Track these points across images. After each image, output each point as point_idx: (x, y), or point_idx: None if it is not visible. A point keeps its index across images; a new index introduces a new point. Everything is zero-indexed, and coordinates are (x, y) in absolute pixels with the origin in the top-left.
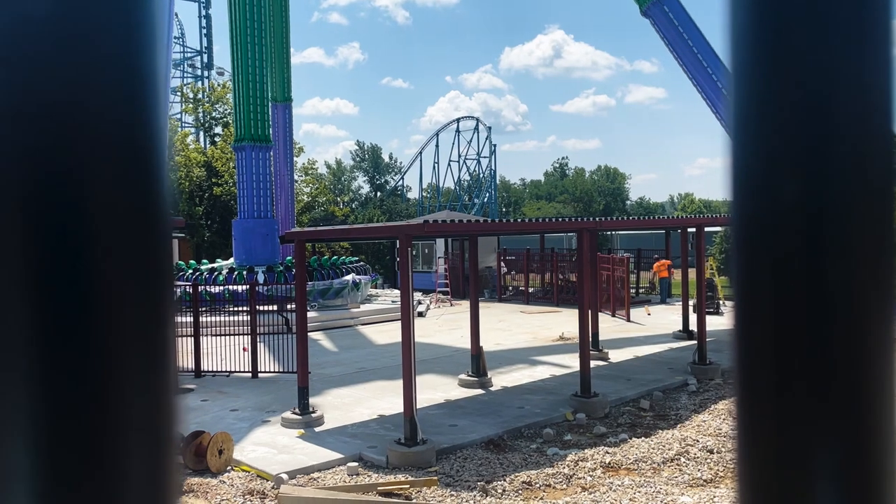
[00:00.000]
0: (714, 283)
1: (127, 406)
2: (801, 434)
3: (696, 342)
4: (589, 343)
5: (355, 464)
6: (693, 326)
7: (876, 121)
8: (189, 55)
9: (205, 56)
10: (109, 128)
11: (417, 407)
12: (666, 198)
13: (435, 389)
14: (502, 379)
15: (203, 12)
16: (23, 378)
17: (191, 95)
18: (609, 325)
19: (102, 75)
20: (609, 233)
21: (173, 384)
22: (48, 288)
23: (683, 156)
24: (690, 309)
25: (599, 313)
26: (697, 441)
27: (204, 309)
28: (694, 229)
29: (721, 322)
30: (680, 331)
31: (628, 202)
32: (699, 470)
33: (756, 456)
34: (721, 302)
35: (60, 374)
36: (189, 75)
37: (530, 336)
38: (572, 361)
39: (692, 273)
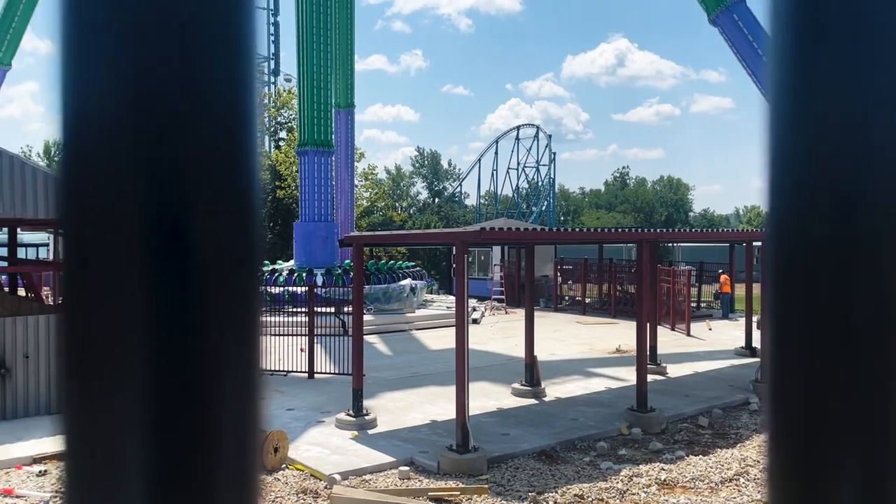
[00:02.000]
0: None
1: (223, 403)
2: (827, 459)
3: (759, 360)
4: (646, 356)
5: (407, 468)
6: (757, 343)
7: None
8: (257, 61)
9: (272, 62)
10: (214, 130)
11: (470, 414)
12: (731, 210)
13: (487, 397)
14: (556, 389)
15: (271, 19)
16: (139, 369)
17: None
18: (668, 339)
19: (210, 82)
20: (670, 245)
21: (260, 382)
22: (160, 286)
23: (751, 167)
24: (754, 325)
25: (658, 326)
26: (758, 462)
27: (264, 309)
28: (760, 243)
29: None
30: (742, 347)
31: (691, 214)
32: (759, 492)
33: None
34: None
35: (170, 367)
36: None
37: (586, 347)
38: (629, 375)
39: (757, 288)
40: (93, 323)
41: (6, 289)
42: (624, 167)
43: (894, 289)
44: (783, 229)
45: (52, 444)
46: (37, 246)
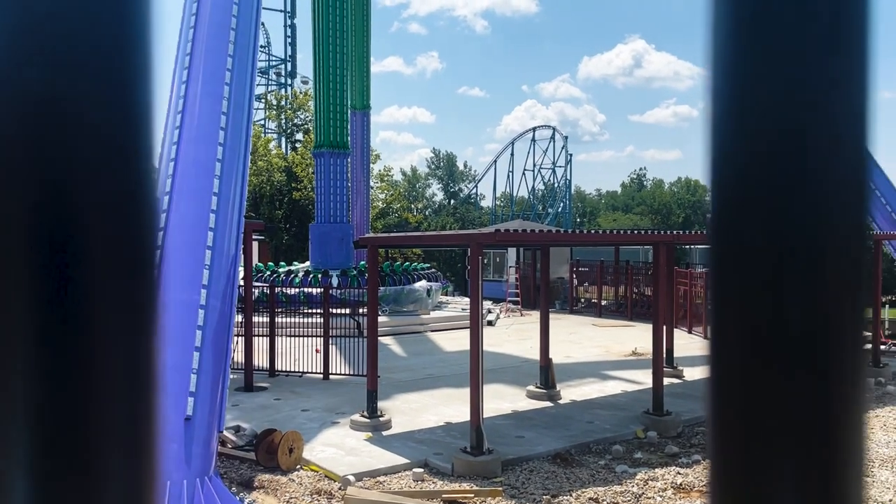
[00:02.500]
0: None
1: (110, 405)
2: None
3: None
4: (663, 359)
5: (420, 470)
6: None
7: (849, 165)
8: (274, 63)
9: (289, 64)
10: (98, 123)
11: (484, 416)
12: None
13: (502, 399)
14: (571, 392)
15: (288, 22)
16: (22, 372)
17: (274, 102)
18: (685, 342)
19: (94, 70)
20: (687, 247)
21: (156, 384)
22: (44, 285)
23: None
24: None
25: (675, 329)
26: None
27: (280, 310)
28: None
29: None
30: None
31: (710, 216)
32: None
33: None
34: None
35: (54, 369)
36: (273, 83)
37: (602, 350)
38: (645, 378)
39: None
40: None
41: None
42: (641, 169)
43: (826, 294)
44: (721, 232)
45: None
46: None
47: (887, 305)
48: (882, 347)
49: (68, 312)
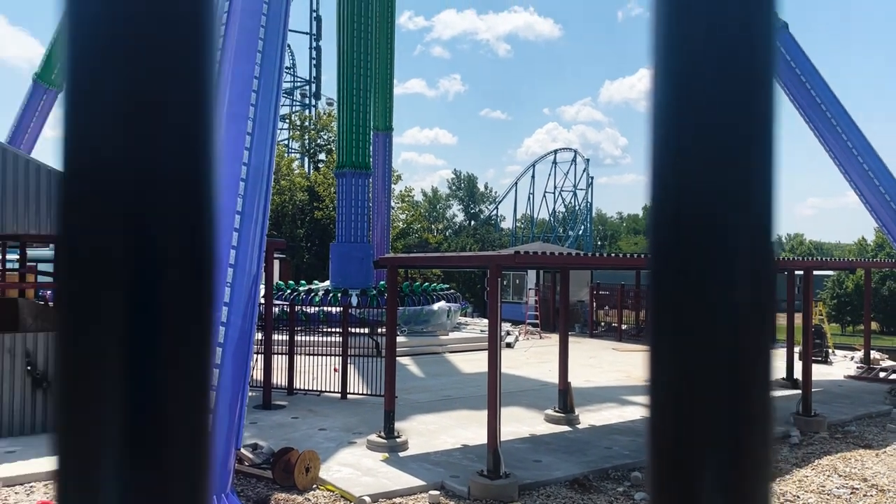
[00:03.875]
0: (822, 330)
1: (180, 405)
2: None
3: (800, 391)
4: None
5: (437, 492)
6: (798, 375)
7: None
8: (299, 84)
9: (313, 85)
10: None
11: (501, 439)
12: (773, 238)
13: (520, 423)
14: (590, 417)
15: (313, 44)
16: (112, 378)
17: (298, 123)
18: None
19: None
20: None
21: (207, 392)
22: (136, 308)
23: (794, 195)
24: (795, 356)
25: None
26: (798, 497)
27: (299, 328)
28: (802, 272)
29: (829, 371)
30: (783, 379)
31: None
32: None
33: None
34: (830, 350)
35: (134, 371)
36: (298, 103)
37: (622, 374)
38: None
39: (798, 318)
40: (80, 335)
41: (50, 304)
42: None
43: (747, 296)
44: (659, 236)
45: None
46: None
47: None
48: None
49: (147, 317)
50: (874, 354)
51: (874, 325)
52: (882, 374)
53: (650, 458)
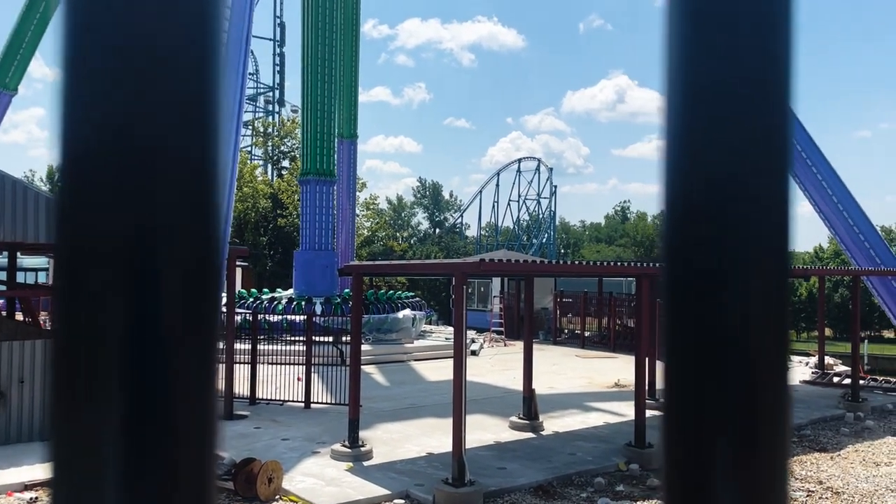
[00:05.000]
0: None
1: (181, 412)
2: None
3: None
4: (645, 391)
5: (402, 501)
6: None
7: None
8: (262, 91)
9: (277, 92)
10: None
11: (466, 447)
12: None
13: (485, 430)
14: (554, 423)
15: (277, 50)
16: (115, 382)
17: (261, 129)
18: None
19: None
20: None
21: (215, 396)
22: (138, 311)
23: None
24: None
25: (658, 361)
26: None
27: (262, 337)
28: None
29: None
30: None
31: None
32: None
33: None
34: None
35: (138, 380)
36: (261, 110)
37: (585, 381)
38: (628, 409)
39: None
40: (78, 340)
41: (3, 313)
42: (625, 201)
43: (760, 311)
44: (674, 255)
45: (45, 470)
46: (36, 270)
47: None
48: (861, 382)
49: (151, 328)
50: (828, 360)
51: (827, 332)
52: (836, 379)
53: (665, 457)
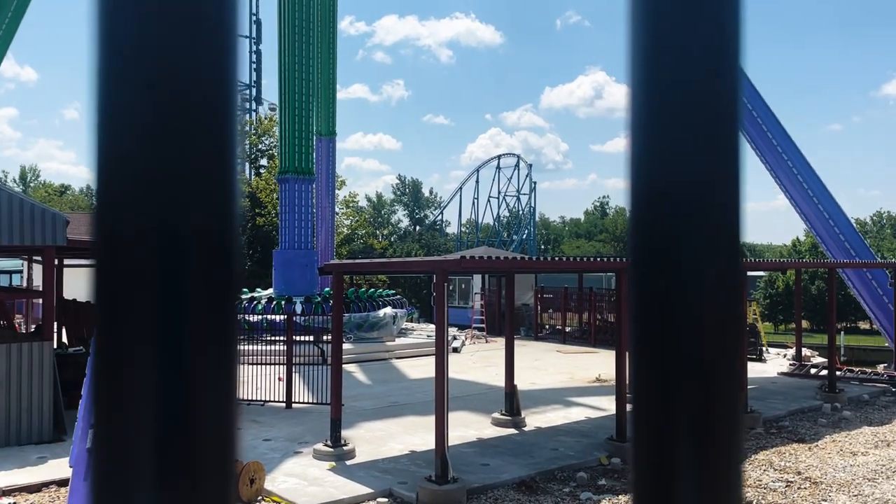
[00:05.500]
0: (756, 328)
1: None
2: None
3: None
4: (626, 385)
5: (385, 499)
6: None
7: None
8: (239, 88)
9: (254, 90)
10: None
11: (449, 444)
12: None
13: (467, 427)
14: (536, 419)
15: (253, 48)
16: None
17: (238, 128)
18: None
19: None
20: None
21: (235, 393)
22: (165, 315)
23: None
24: None
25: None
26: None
27: (242, 337)
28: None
29: (764, 369)
30: None
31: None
32: None
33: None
34: (764, 348)
35: (165, 379)
36: (238, 108)
37: (566, 376)
38: (609, 404)
39: None
40: (120, 343)
41: None
42: (604, 197)
43: (713, 300)
44: (637, 246)
45: (25, 475)
46: (10, 272)
47: (842, 332)
48: (838, 373)
49: (177, 325)
50: (805, 352)
51: (805, 324)
52: (813, 371)
53: (634, 448)
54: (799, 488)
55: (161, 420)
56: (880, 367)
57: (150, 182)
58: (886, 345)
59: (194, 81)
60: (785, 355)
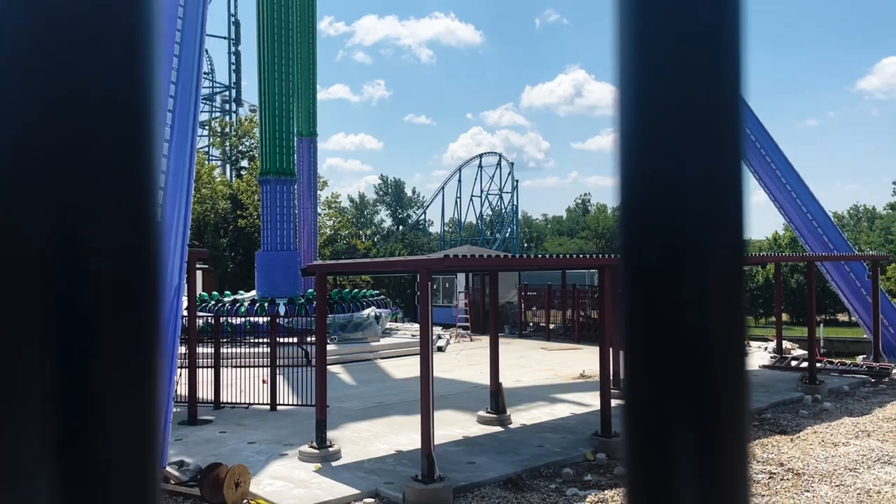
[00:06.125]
0: None
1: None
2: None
3: None
4: (610, 381)
5: (371, 500)
6: None
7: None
8: (218, 90)
9: (233, 91)
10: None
11: (435, 443)
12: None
13: (453, 426)
14: (521, 416)
15: (232, 49)
16: (38, 386)
17: (218, 129)
18: None
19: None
20: None
21: (159, 398)
22: (60, 305)
23: None
24: None
25: (622, 351)
26: None
27: (225, 340)
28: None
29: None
30: None
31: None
32: None
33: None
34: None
35: (67, 382)
36: (217, 109)
37: (550, 373)
38: (593, 400)
39: None
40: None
41: None
42: (585, 194)
43: (717, 298)
44: (630, 246)
45: None
46: None
47: (821, 324)
48: (818, 365)
49: (78, 327)
50: (786, 344)
51: (784, 317)
52: (794, 363)
53: (626, 446)
54: (782, 479)
55: (55, 428)
56: (859, 359)
57: (40, 181)
58: (865, 336)
59: (94, 82)
60: (766, 348)
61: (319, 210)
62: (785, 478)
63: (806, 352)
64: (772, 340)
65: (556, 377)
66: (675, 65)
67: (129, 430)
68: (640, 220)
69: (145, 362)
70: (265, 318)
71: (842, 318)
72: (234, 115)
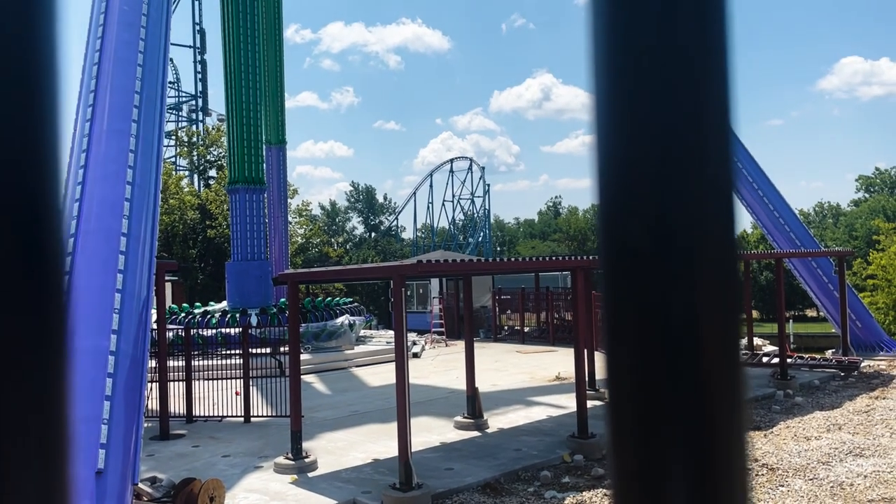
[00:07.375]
0: None
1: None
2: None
3: None
4: (585, 383)
5: None
6: None
7: (713, 170)
8: (184, 99)
9: (199, 100)
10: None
11: (412, 450)
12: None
13: (430, 432)
14: (498, 420)
15: (198, 58)
16: None
17: (185, 139)
18: None
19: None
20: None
21: (67, 430)
22: None
23: None
24: None
25: (596, 352)
26: None
27: (196, 352)
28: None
29: None
30: None
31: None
32: None
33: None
34: None
35: None
36: (184, 119)
37: (526, 376)
38: (569, 402)
39: None
40: None
41: None
42: (556, 197)
43: (705, 292)
44: (610, 240)
45: None
46: None
47: (791, 320)
48: (789, 360)
49: None
50: (757, 341)
51: (755, 314)
52: (765, 359)
53: (611, 449)
54: (756, 475)
55: None
56: (829, 353)
57: None
58: (833, 331)
59: None
60: None
61: (290, 218)
62: (759, 473)
63: (777, 348)
64: (743, 337)
65: (532, 380)
66: (654, 54)
67: (31, 444)
68: (622, 217)
69: (46, 370)
70: (237, 329)
71: (810, 313)
72: (201, 125)
